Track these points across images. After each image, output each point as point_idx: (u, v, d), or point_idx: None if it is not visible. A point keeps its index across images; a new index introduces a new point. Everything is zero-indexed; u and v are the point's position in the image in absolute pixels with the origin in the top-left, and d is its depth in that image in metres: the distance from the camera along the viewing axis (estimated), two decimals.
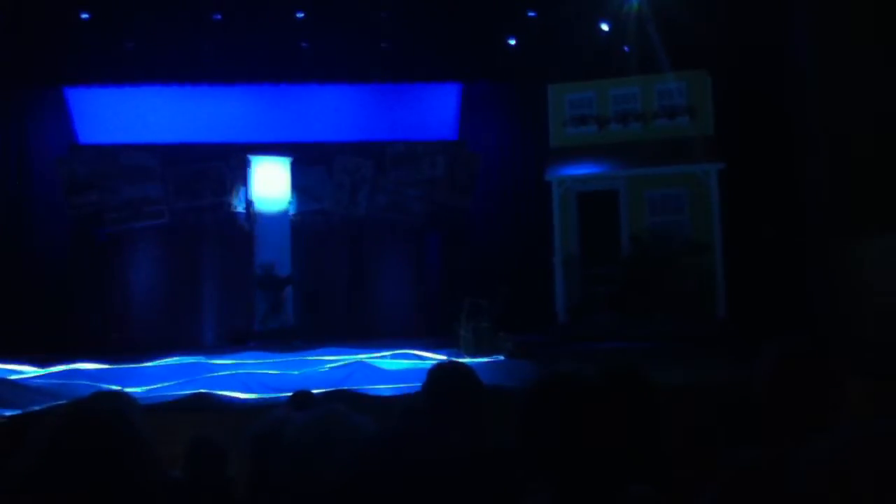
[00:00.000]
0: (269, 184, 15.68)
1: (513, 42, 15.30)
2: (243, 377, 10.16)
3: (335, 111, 16.08)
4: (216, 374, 10.50)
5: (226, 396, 9.20)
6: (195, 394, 9.20)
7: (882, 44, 11.35)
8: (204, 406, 8.77)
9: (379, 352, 11.80)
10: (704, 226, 14.71)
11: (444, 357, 10.70)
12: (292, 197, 15.78)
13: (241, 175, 15.65)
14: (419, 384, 2.96)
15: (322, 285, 15.60)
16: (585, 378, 2.05)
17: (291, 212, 15.78)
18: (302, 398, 5.07)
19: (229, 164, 15.67)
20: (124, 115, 15.53)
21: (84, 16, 13.83)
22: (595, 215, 15.09)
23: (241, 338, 14.05)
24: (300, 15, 14.40)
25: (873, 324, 10.59)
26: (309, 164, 15.98)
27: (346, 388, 9.15)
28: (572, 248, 14.97)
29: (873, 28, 11.51)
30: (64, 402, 7.15)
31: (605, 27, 14.73)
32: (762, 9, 13.25)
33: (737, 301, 13.86)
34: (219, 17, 14.21)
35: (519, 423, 2.18)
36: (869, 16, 11.55)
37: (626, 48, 14.73)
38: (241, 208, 15.57)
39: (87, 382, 9.64)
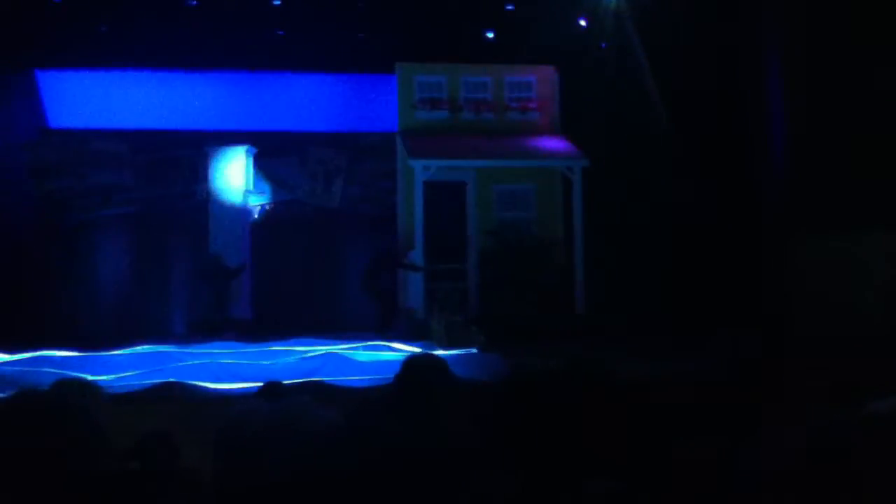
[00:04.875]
0: (229, 173, 15.47)
1: (491, 35, 15.28)
2: (213, 367, 10.06)
3: (310, 101, 15.96)
4: (186, 363, 10.40)
5: (195, 386, 9.10)
6: (164, 383, 9.09)
7: (846, 43, 11.52)
8: (173, 395, 8.68)
9: (351, 343, 11.75)
10: (550, 221, 14.71)
11: (417, 349, 10.68)
12: (255, 187, 15.60)
13: (210, 164, 15.47)
14: (391, 376, 2.94)
15: (294, 276, 15.48)
16: (556, 375, 2.03)
17: (253, 202, 15.60)
18: (272, 389, 5.03)
19: (201, 152, 15.49)
20: (96, 100, 15.28)
21: None
22: (441, 206, 14.66)
23: (210, 327, 13.88)
24: (276, 2, 14.28)
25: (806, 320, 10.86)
26: (282, 153, 15.84)
27: (317, 378, 9.09)
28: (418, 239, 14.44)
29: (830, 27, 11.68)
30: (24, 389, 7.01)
31: (582, 22, 14.78)
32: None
33: (596, 297, 13.88)
34: (194, 2, 14.06)
35: (490, 417, 2.16)
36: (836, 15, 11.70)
37: (602, 45, 14.77)
38: (204, 197, 15.41)
39: (53, 370, 9.49)
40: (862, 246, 11.33)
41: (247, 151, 15.53)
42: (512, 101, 15.33)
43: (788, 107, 12.43)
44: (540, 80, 15.48)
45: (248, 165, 15.55)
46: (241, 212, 15.43)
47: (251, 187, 15.56)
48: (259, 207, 15.67)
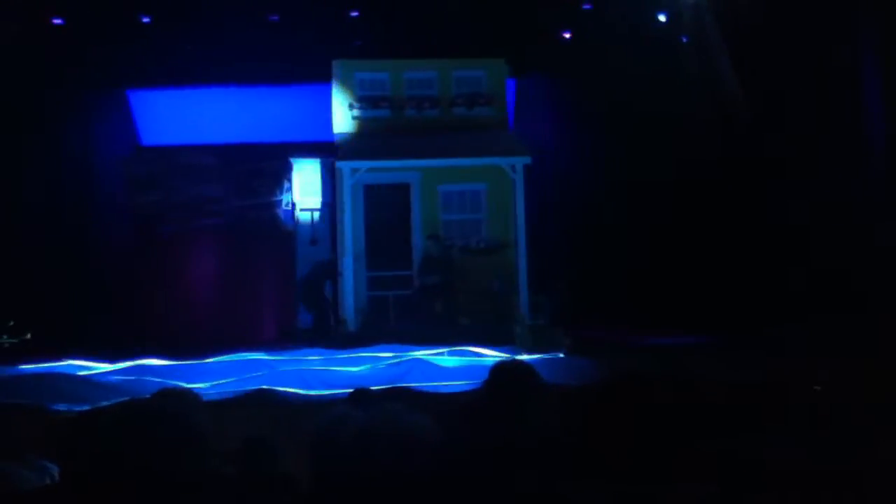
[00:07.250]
0: (311, 183, 15.68)
1: (567, 35, 15.17)
2: (303, 373, 10.27)
3: None
4: (277, 369, 10.64)
5: (286, 392, 9.30)
6: (257, 389, 9.32)
7: None
8: (265, 401, 8.89)
9: (436, 348, 11.81)
10: (504, 223, 13.89)
11: (502, 354, 10.66)
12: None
13: (293, 174, 15.77)
14: (477, 381, 2.95)
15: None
16: (654, 382, 2.02)
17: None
18: (360, 395, 5.13)
19: (285, 163, 15.84)
20: (184, 117, 15.89)
21: (145, 19, 14.17)
22: (383, 210, 14.13)
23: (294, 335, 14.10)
24: (355, 14, 14.51)
25: None
26: None
27: (404, 384, 9.17)
28: (359, 246, 13.88)
29: None
30: (131, 398, 7.29)
31: (662, 17, 14.55)
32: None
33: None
34: (276, 18, 14.42)
35: (583, 422, 2.14)
36: None
37: (683, 38, 14.49)
38: (288, 207, 15.72)
39: (155, 379, 9.85)
40: None
41: (322, 161, 15.69)
42: (459, 95, 14.57)
43: (887, 105, 11.91)
44: (490, 73, 14.74)
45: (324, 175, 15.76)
46: (321, 220, 15.67)
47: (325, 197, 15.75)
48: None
